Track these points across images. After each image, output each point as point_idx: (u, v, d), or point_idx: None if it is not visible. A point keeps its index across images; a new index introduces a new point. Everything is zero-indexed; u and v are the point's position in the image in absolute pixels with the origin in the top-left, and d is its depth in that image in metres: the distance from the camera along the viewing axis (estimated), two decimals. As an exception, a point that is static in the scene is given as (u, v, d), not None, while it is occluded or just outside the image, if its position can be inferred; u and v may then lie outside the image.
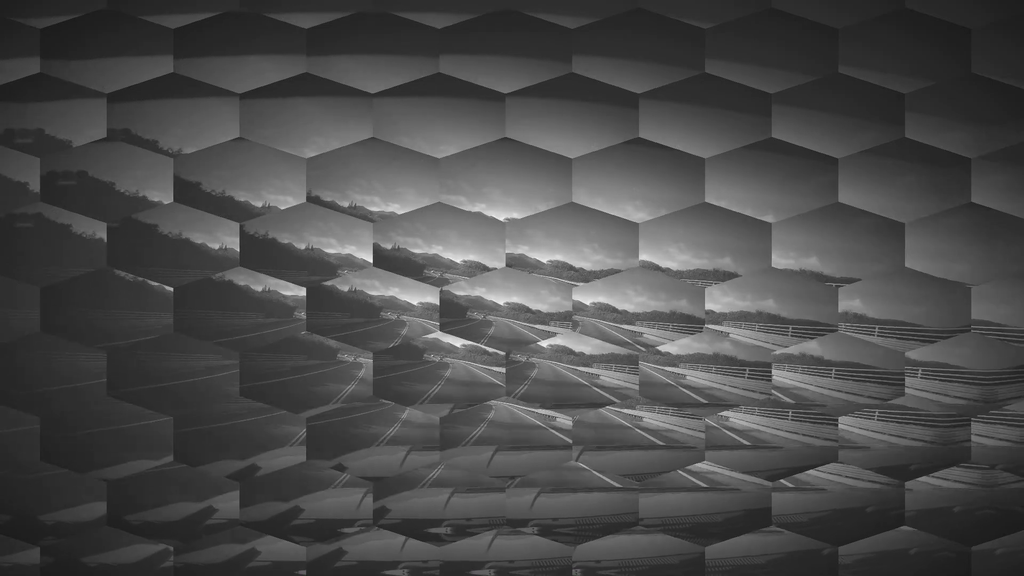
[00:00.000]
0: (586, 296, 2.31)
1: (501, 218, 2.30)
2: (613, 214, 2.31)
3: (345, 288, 2.30)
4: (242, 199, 2.29)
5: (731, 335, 2.33)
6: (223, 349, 2.29)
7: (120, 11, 2.29)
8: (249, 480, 2.31)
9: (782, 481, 2.34)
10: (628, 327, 2.32)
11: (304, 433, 2.30)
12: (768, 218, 2.32)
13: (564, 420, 2.32)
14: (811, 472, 2.34)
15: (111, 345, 2.28)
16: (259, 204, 2.29)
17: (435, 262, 2.30)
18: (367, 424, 2.31)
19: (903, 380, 2.33)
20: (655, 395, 2.32)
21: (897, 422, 2.34)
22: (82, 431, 2.28)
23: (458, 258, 2.31)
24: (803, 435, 2.34)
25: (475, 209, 2.30)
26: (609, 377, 2.32)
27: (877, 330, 2.33)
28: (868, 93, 2.32)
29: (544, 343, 2.32)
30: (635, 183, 2.31)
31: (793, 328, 2.34)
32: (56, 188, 2.27)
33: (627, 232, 2.31)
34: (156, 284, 2.28)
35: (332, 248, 2.30)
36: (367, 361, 2.30)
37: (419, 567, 2.32)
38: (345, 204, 2.29)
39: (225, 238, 2.29)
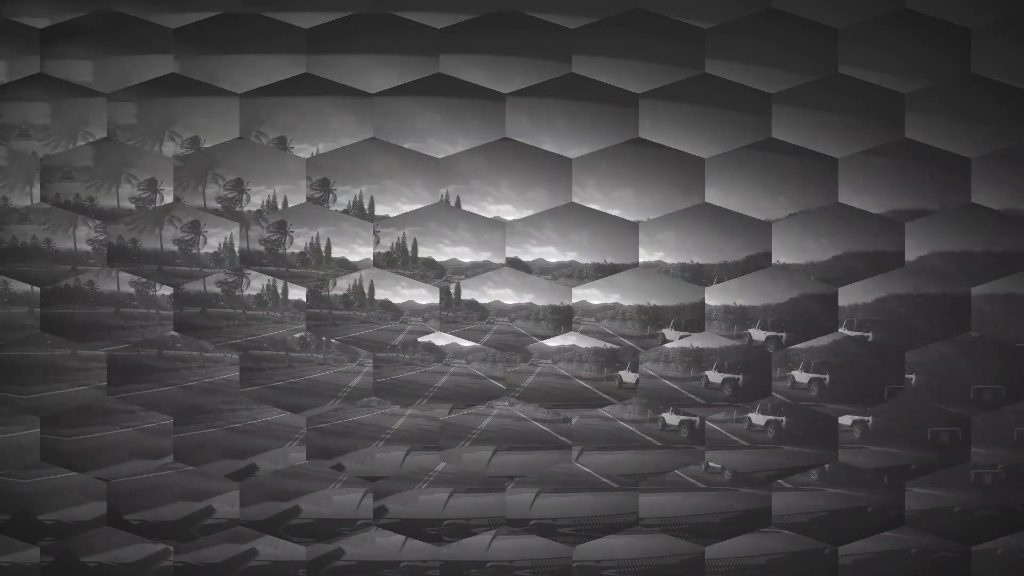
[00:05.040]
0: (586, 296, 2.31)
1: (502, 218, 2.30)
2: (612, 214, 2.31)
3: (345, 288, 2.30)
4: (242, 199, 2.29)
5: (729, 335, 2.33)
6: (223, 349, 2.29)
7: (120, 11, 2.29)
8: (249, 480, 2.31)
9: (780, 482, 2.34)
10: (627, 327, 2.32)
11: (304, 433, 2.30)
12: (768, 217, 2.32)
13: (564, 420, 2.32)
14: (811, 472, 2.34)
15: (111, 345, 2.28)
16: (259, 203, 2.29)
17: (434, 262, 2.30)
18: (367, 424, 2.31)
19: (904, 380, 2.34)
20: (655, 394, 2.32)
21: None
22: (82, 431, 2.28)
23: (457, 258, 2.30)
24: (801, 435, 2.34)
25: (475, 209, 2.30)
26: (608, 376, 2.32)
27: (871, 336, 2.33)
28: (868, 93, 2.32)
29: (544, 343, 2.31)
30: (635, 183, 2.31)
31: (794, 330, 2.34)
32: (56, 188, 2.27)
33: (627, 232, 2.31)
34: (156, 284, 2.28)
35: (332, 247, 2.30)
36: (367, 361, 2.30)
37: (419, 567, 2.32)
38: (344, 203, 2.29)
39: (224, 238, 2.29)
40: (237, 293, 2.29)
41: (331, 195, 2.29)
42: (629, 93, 2.31)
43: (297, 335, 2.29)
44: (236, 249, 2.29)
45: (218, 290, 2.29)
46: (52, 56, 2.28)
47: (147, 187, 2.28)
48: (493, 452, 2.32)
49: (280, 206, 2.29)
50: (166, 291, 2.28)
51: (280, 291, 2.29)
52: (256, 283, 2.29)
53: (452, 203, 2.30)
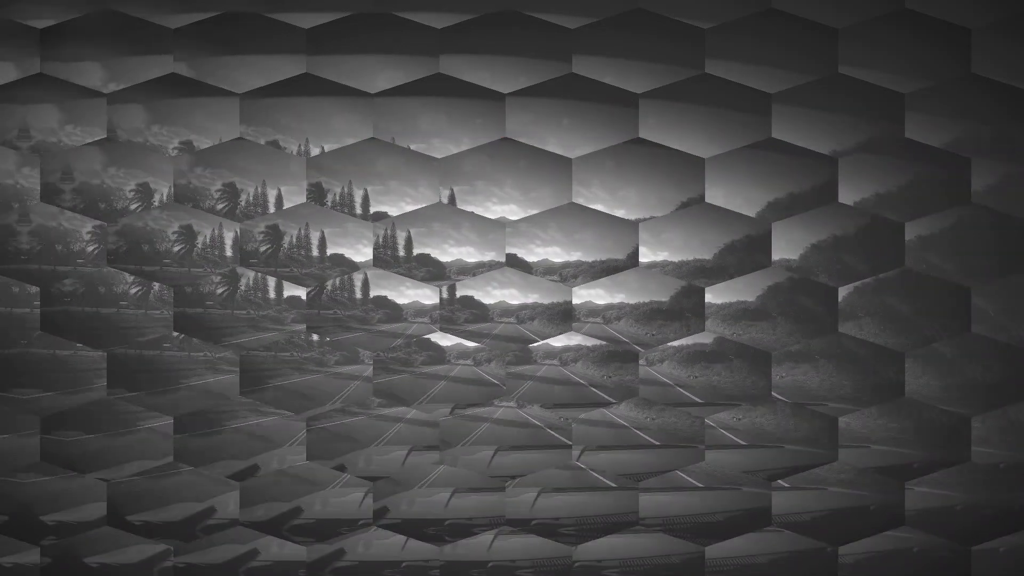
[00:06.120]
0: (586, 296, 2.31)
1: (503, 217, 2.31)
2: (612, 214, 2.31)
3: (345, 288, 2.30)
4: (242, 199, 2.29)
5: (730, 335, 2.34)
6: (224, 349, 2.29)
7: (120, 11, 2.29)
8: (250, 480, 2.31)
9: (780, 482, 2.34)
10: (628, 326, 2.32)
11: (304, 433, 2.30)
12: (767, 217, 2.32)
13: (564, 420, 2.32)
14: (811, 472, 2.34)
15: (111, 345, 2.28)
16: (259, 204, 2.29)
17: (434, 262, 2.30)
18: (367, 424, 2.31)
19: (904, 379, 2.34)
20: (655, 394, 2.32)
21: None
22: (83, 431, 2.28)
23: (458, 257, 2.30)
24: (802, 434, 2.34)
25: (479, 210, 2.30)
26: (609, 377, 2.32)
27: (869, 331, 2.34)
28: (868, 93, 2.32)
29: (544, 343, 2.32)
30: (636, 183, 2.31)
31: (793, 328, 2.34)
32: (56, 188, 2.27)
33: (627, 232, 2.31)
34: (156, 284, 2.28)
35: (333, 247, 2.30)
36: (368, 361, 2.30)
37: (420, 567, 2.32)
38: (344, 204, 2.29)
39: (225, 237, 2.29)
40: (224, 290, 2.29)
41: (330, 194, 2.30)
42: (629, 93, 2.31)
43: (296, 335, 2.29)
44: (228, 252, 2.29)
45: (218, 290, 2.29)
46: (52, 56, 2.28)
47: (147, 187, 2.28)
48: (494, 452, 2.32)
49: (271, 207, 2.29)
50: (166, 291, 2.28)
51: (273, 290, 2.29)
52: (258, 283, 2.29)
53: (452, 203, 2.30)
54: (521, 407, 2.32)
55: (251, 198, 2.29)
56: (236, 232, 2.29)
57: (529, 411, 2.32)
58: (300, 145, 2.29)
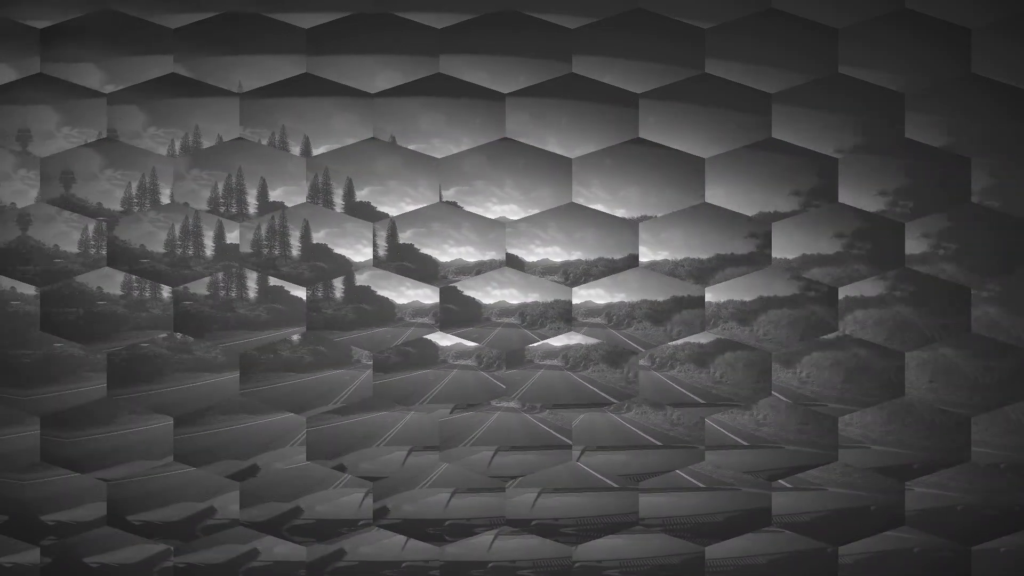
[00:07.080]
0: (586, 296, 2.31)
1: (503, 218, 2.30)
2: (612, 214, 2.31)
3: (346, 288, 2.30)
4: (243, 198, 2.29)
5: (730, 335, 2.34)
6: (224, 349, 2.28)
7: (120, 11, 2.29)
8: (249, 480, 2.31)
9: (780, 482, 2.34)
10: (627, 326, 2.32)
11: (304, 433, 2.30)
12: (767, 217, 2.32)
13: (564, 420, 2.32)
14: (811, 472, 2.34)
15: (111, 345, 2.28)
16: (260, 204, 2.29)
17: (434, 262, 2.30)
18: (367, 424, 2.31)
19: (904, 381, 2.34)
20: (655, 395, 2.32)
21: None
22: (82, 431, 2.28)
23: (457, 258, 2.30)
24: (803, 434, 2.34)
25: (474, 209, 2.30)
26: (610, 377, 2.32)
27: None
28: (868, 93, 2.32)
29: (544, 343, 2.32)
30: (637, 183, 2.31)
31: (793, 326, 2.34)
32: (56, 188, 2.27)
33: (626, 232, 2.31)
34: (156, 284, 2.28)
35: (333, 247, 2.30)
36: (368, 361, 2.30)
37: (420, 567, 2.32)
38: (345, 204, 2.29)
39: (226, 237, 2.29)
40: (229, 294, 2.29)
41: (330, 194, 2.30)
42: (629, 93, 2.31)
43: (297, 335, 2.29)
44: (228, 251, 2.29)
45: (218, 289, 2.29)
46: (52, 56, 2.28)
47: (145, 187, 2.28)
48: (494, 452, 2.32)
49: (261, 207, 2.29)
50: (166, 291, 2.28)
51: (272, 290, 2.29)
52: (258, 283, 2.29)
53: (451, 203, 2.30)
54: (523, 407, 2.32)
55: (251, 198, 2.29)
56: (236, 231, 2.29)
57: (529, 411, 2.32)
58: (274, 133, 2.28)
